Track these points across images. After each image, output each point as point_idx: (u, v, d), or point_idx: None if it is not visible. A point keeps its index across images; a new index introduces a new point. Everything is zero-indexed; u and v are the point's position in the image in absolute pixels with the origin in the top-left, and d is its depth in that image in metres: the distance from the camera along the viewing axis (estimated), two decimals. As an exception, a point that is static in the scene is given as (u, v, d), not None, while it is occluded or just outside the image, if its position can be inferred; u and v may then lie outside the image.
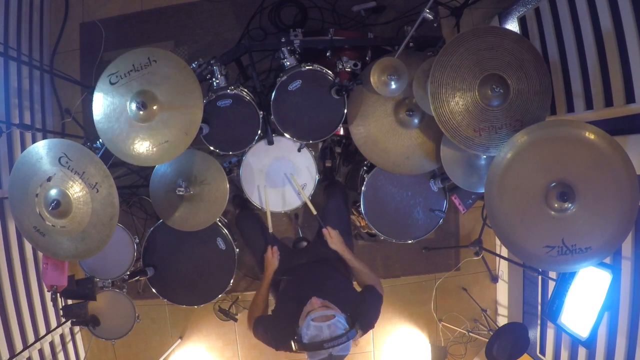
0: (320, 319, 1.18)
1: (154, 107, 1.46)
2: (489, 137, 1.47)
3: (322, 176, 2.07)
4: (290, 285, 1.52)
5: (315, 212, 1.71)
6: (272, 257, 1.66)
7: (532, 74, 1.46)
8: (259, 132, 1.76)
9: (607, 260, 1.72)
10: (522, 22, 2.10)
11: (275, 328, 1.36)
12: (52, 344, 2.32)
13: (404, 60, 1.58)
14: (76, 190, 1.41)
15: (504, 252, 2.46)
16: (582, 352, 1.93)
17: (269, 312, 1.51)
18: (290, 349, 1.25)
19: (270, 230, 1.73)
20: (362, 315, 1.31)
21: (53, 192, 1.41)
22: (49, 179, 1.41)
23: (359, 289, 1.51)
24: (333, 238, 1.63)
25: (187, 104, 1.47)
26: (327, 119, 1.76)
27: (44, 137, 2.34)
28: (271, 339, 1.36)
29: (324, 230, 1.64)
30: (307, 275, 1.55)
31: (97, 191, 1.40)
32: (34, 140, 2.29)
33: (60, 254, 1.48)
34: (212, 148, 1.79)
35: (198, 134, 1.65)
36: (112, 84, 1.48)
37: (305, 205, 1.89)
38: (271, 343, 1.36)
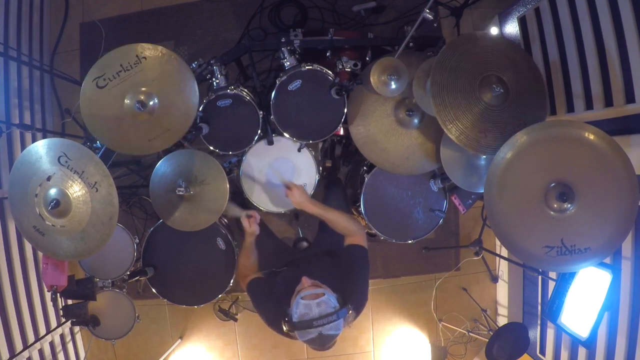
0: (309, 297, 1.16)
1: (153, 102, 1.46)
2: (494, 138, 1.47)
3: (322, 176, 2.07)
4: (287, 271, 1.49)
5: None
6: (250, 226, 1.59)
7: (524, 71, 1.48)
8: (259, 132, 1.76)
9: (607, 260, 1.72)
10: (522, 22, 2.10)
11: (267, 307, 1.35)
12: (52, 344, 2.32)
13: (404, 60, 1.58)
14: (76, 189, 1.40)
15: (504, 252, 2.46)
16: (582, 352, 1.93)
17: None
18: (280, 330, 1.24)
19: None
20: (352, 290, 1.29)
21: (52, 191, 1.41)
22: (48, 179, 1.41)
23: None
24: (296, 197, 1.52)
25: (181, 90, 1.46)
26: (327, 119, 1.76)
27: (44, 137, 2.34)
28: (262, 315, 1.36)
29: (287, 192, 1.54)
30: (303, 261, 1.52)
31: (97, 190, 1.39)
32: (34, 140, 2.28)
33: (60, 254, 1.48)
34: (212, 148, 1.79)
35: (198, 134, 1.66)
36: (100, 87, 1.45)
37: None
38: (261, 317, 1.36)
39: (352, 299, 1.24)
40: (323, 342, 1.16)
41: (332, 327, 1.14)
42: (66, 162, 1.39)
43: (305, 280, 1.23)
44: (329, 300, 1.16)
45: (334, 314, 1.14)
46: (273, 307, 1.30)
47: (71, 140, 1.41)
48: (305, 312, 1.14)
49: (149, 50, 1.45)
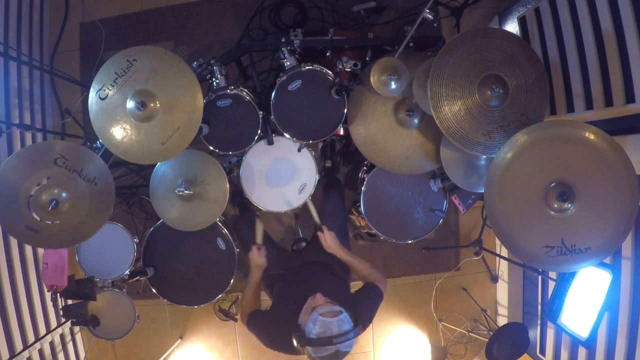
0: (328, 314, 1.17)
1: (153, 100, 1.47)
2: (499, 138, 1.47)
3: (322, 176, 2.07)
4: (287, 285, 1.50)
5: (316, 219, 1.64)
6: (258, 257, 1.57)
7: (525, 65, 1.47)
8: (259, 132, 1.76)
9: (607, 260, 1.72)
10: (522, 22, 2.10)
11: (272, 327, 1.35)
12: (52, 344, 2.31)
13: (404, 60, 1.58)
14: (74, 187, 1.42)
15: (504, 252, 2.46)
16: (582, 352, 1.92)
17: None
18: (286, 349, 1.24)
19: (259, 242, 1.63)
20: (360, 312, 1.30)
21: (49, 193, 1.42)
22: (47, 179, 1.42)
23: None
24: (328, 241, 1.54)
25: (182, 85, 1.47)
26: (327, 119, 1.76)
27: (44, 137, 2.35)
28: (267, 338, 1.35)
29: (319, 234, 1.56)
30: (305, 274, 1.53)
31: (96, 184, 1.43)
32: (34, 141, 2.29)
33: (55, 243, 1.49)
34: (212, 148, 1.79)
35: (198, 134, 1.66)
36: (102, 99, 1.47)
37: (305, 205, 1.89)
38: (266, 342, 1.35)
39: (361, 320, 1.25)
40: (337, 358, 1.16)
41: (348, 345, 1.15)
42: (64, 163, 1.41)
43: (320, 297, 1.24)
44: (346, 318, 1.17)
45: (351, 331, 1.15)
46: (280, 327, 1.30)
47: (66, 143, 1.44)
48: (325, 329, 1.14)
49: (137, 52, 1.46)
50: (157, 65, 1.46)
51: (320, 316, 1.16)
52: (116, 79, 1.46)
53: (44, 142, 1.46)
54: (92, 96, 1.47)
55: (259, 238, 1.65)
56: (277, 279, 1.56)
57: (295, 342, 1.18)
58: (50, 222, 1.44)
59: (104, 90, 1.46)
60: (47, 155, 1.41)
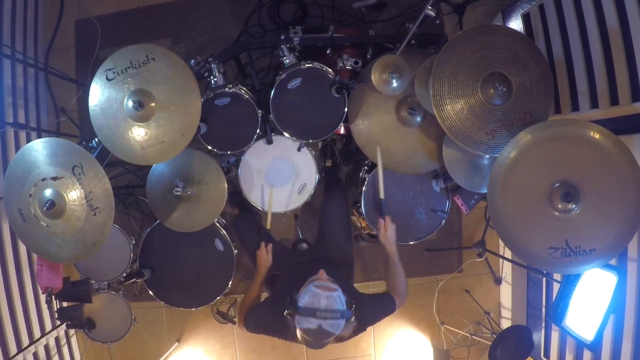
0: (322, 288, 1.17)
1: (151, 106, 1.45)
2: (502, 137, 1.45)
3: (322, 175, 2.05)
4: (290, 276, 1.49)
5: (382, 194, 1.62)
6: (267, 255, 1.62)
7: (529, 63, 1.45)
8: (258, 131, 1.74)
9: (613, 262, 1.70)
10: (526, 19, 2.08)
11: (270, 313, 1.33)
12: (47, 347, 2.29)
13: (405, 57, 1.56)
14: (76, 203, 1.38)
15: (508, 253, 2.43)
16: (587, 355, 1.91)
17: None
18: (286, 333, 1.24)
19: (267, 227, 1.68)
20: (363, 312, 1.29)
21: (50, 192, 1.38)
22: (54, 178, 1.39)
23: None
24: (388, 232, 1.57)
25: (185, 105, 1.45)
26: (327, 118, 1.74)
27: (39, 136, 2.31)
28: (268, 326, 1.35)
29: (381, 220, 1.58)
30: (309, 268, 1.50)
31: (95, 215, 1.38)
32: (28, 140, 2.26)
33: (32, 244, 1.47)
34: (210, 147, 1.77)
35: (196, 133, 1.63)
36: (109, 79, 1.46)
37: (305, 205, 1.87)
38: (269, 330, 1.35)
39: (359, 314, 1.23)
40: (319, 337, 1.16)
41: (333, 325, 1.14)
42: (79, 174, 1.37)
43: (322, 273, 1.25)
44: (339, 297, 1.17)
45: (339, 312, 1.15)
46: (278, 312, 1.28)
47: (94, 158, 1.39)
48: (313, 300, 1.15)
49: (159, 53, 1.45)
50: (171, 76, 1.44)
51: (314, 287, 1.17)
52: (128, 67, 1.44)
53: (76, 145, 1.41)
54: (101, 72, 1.45)
55: (268, 223, 1.68)
56: (280, 276, 1.56)
57: (285, 312, 1.19)
58: (38, 220, 1.40)
59: (113, 72, 1.45)
60: (70, 158, 1.37)
